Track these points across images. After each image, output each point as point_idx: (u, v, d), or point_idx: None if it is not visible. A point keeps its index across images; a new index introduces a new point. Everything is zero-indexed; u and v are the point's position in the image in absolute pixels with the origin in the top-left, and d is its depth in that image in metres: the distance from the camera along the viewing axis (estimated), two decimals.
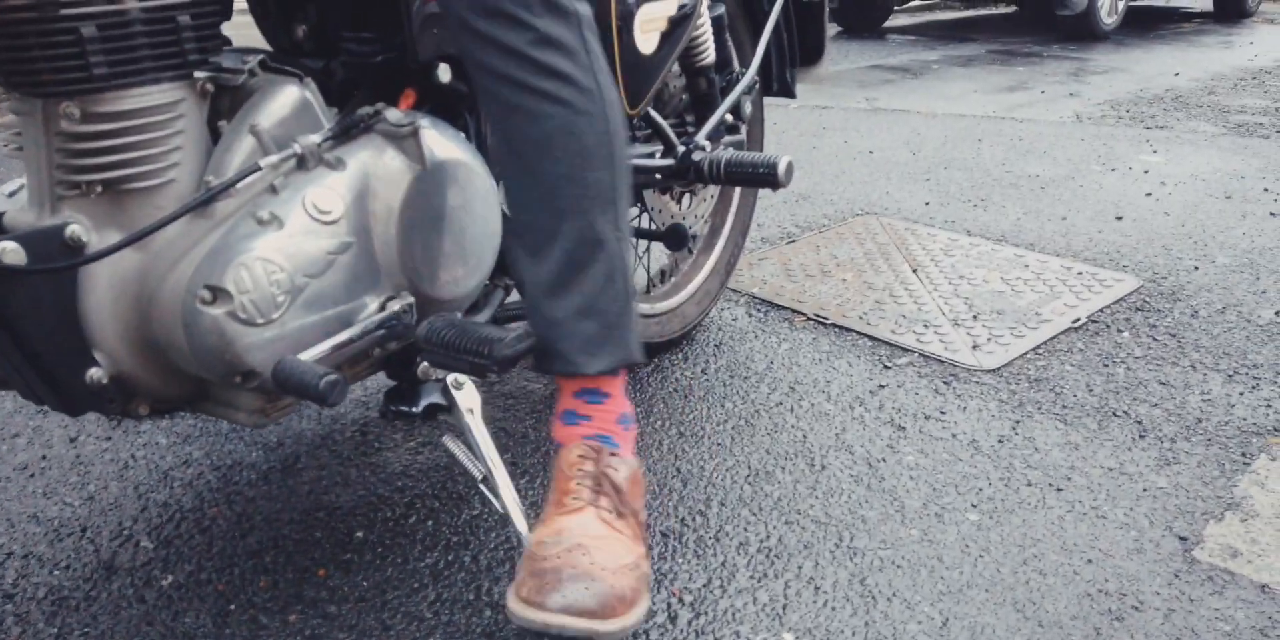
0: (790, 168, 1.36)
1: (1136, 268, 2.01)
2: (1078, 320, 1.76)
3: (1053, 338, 1.69)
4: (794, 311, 1.81)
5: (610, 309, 0.97)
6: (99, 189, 0.78)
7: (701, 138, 1.39)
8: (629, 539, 0.91)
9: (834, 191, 2.57)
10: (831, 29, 6.01)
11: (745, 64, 1.57)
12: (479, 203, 0.96)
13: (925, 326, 1.73)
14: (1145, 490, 1.25)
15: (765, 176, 1.35)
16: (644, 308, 1.54)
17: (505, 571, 1.09)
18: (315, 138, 0.86)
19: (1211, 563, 1.11)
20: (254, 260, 0.79)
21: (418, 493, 1.23)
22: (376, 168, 0.88)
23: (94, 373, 0.81)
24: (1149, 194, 2.53)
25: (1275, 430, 1.39)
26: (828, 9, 1.69)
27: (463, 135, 0.98)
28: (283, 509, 1.20)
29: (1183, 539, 1.15)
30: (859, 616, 1.03)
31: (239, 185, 0.82)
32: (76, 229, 0.78)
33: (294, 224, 0.82)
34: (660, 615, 1.03)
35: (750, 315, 1.81)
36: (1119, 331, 1.72)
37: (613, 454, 0.97)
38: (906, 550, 1.14)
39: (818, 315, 1.79)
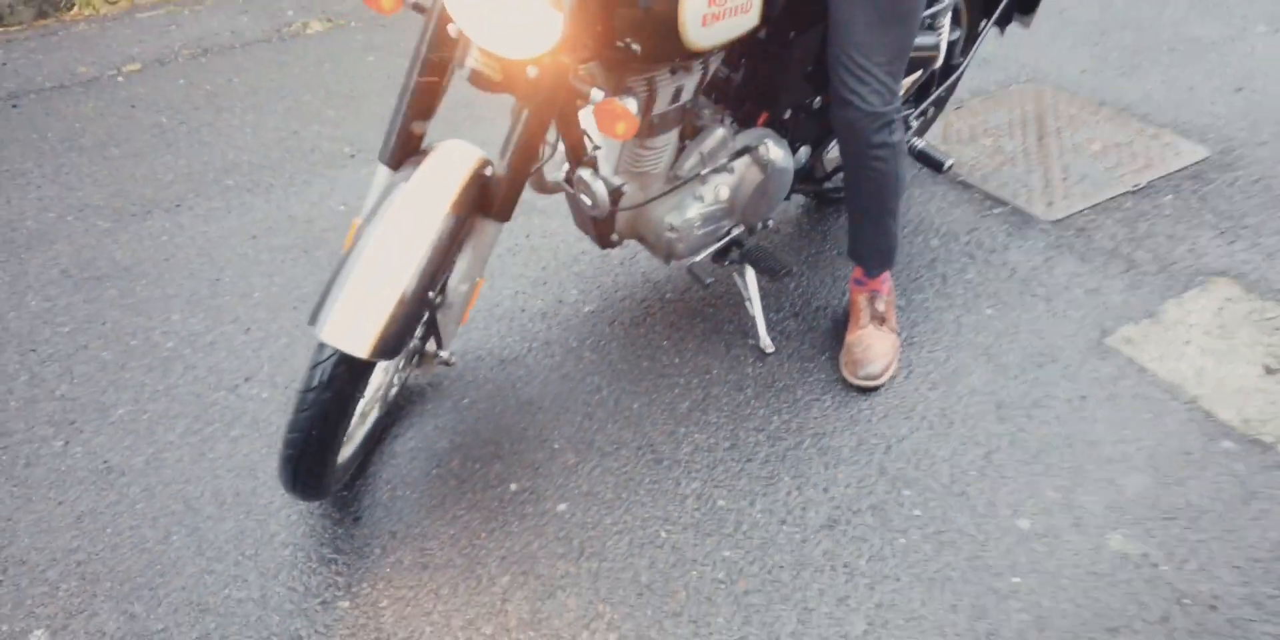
0: (950, 168, 2.26)
1: (1216, 140, 2.66)
2: (1137, 185, 2.52)
3: (1111, 198, 2.49)
4: None
5: (887, 245, 2.00)
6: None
7: (913, 120, 2.27)
8: (887, 333, 2.00)
9: (1012, 56, 3.24)
10: None
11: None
12: (781, 184, 1.96)
13: (1023, 186, 2.58)
14: (1100, 301, 2.15)
15: (935, 165, 2.26)
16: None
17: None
18: (726, 160, 1.78)
19: (1112, 345, 2.04)
20: (690, 218, 1.84)
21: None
22: (748, 173, 1.82)
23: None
24: None
25: (1220, 272, 2.20)
26: None
27: (787, 144, 1.87)
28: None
29: (1103, 330, 2.08)
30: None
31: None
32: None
33: (708, 201, 1.84)
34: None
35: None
36: (1164, 195, 2.48)
37: (877, 294, 2.06)
38: (919, 311, 2.15)
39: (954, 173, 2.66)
